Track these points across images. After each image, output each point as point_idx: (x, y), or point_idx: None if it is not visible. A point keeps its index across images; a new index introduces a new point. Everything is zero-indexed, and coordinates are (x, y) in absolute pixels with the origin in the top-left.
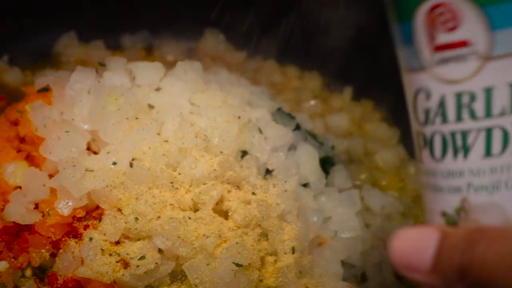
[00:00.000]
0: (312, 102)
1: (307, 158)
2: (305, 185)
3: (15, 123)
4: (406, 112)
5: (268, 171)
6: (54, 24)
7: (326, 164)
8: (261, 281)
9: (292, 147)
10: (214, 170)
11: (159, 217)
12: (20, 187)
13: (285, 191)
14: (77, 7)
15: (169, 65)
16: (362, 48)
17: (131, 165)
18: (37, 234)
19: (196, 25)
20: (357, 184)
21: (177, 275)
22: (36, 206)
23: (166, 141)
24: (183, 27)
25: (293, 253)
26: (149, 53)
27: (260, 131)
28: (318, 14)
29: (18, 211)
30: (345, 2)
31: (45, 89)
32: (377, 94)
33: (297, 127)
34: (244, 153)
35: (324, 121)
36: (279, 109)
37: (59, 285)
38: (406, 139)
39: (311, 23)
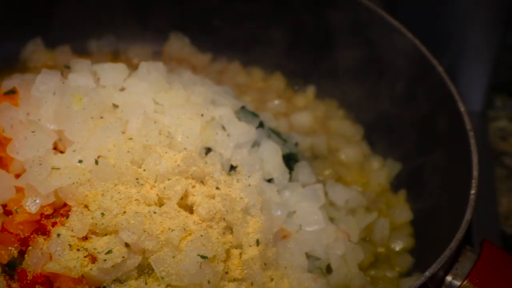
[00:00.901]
0: (276, 102)
1: (271, 154)
2: (269, 181)
3: None
4: (370, 109)
5: (232, 167)
6: (20, 30)
7: (290, 160)
8: (226, 273)
9: (255, 144)
10: (178, 165)
11: (124, 212)
12: None
13: (249, 185)
14: (43, 13)
15: (135, 68)
16: (326, 47)
17: (96, 162)
18: (5, 232)
19: (162, 29)
20: (321, 179)
21: (144, 268)
22: (4, 207)
23: (131, 138)
24: (148, 31)
25: (257, 245)
26: (115, 57)
27: (224, 128)
28: (283, 15)
29: None
30: (306, 3)
31: (11, 92)
32: (340, 92)
33: (261, 125)
34: (208, 150)
35: (288, 120)
36: (242, 108)
37: (28, 281)
38: (369, 136)
39: (274, 25)
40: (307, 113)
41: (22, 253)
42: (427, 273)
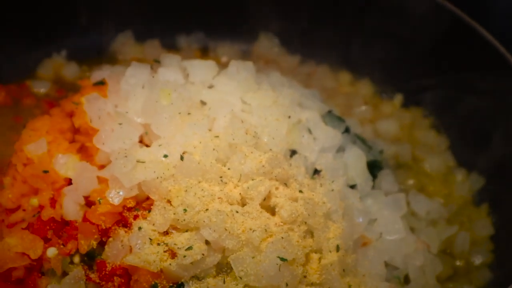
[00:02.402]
0: (363, 108)
1: (355, 160)
2: (352, 187)
3: (71, 115)
4: (456, 120)
5: (316, 171)
6: (112, 22)
7: (374, 168)
8: (305, 277)
9: (340, 149)
10: (263, 166)
11: (207, 209)
12: (70, 179)
13: (332, 190)
14: (135, 7)
15: (223, 66)
16: (414, 57)
17: (181, 158)
18: (87, 222)
19: (252, 28)
20: (403, 189)
21: (223, 267)
22: (87, 197)
23: (217, 136)
24: (238, 30)
25: (337, 251)
26: (204, 54)
27: (310, 131)
28: (375, 21)
29: (73, 209)
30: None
31: (101, 83)
32: (427, 102)
33: (347, 130)
34: (293, 153)
35: (373, 127)
36: (329, 112)
37: (107, 272)
38: (454, 146)
39: (366, 31)
40: (393, 121)
41: (102, 244)
42: None
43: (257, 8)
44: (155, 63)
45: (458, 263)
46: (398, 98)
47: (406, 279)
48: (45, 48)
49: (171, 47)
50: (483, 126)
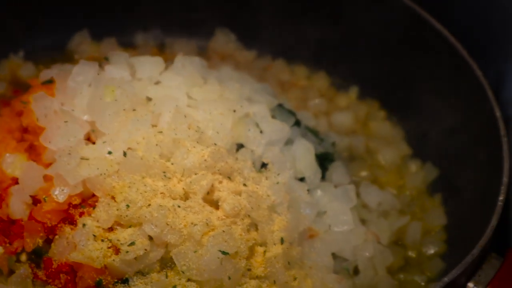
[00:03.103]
0: (317, 101)
1: (303, 153)
2: (301, 180)
3: (20, 114)
4: (412, 111)
5: (263, 165)
6: (67, 21)
7: (325, 160)
8: (249, 270)
9: (289, 142)
10: (205, 160)
11: (149, 205)
12: (17, 179)
13: (277, 183)
14: (90, 5)
15: None
16: (370, 48)
17: (125, 154)
18: (33, 221)
19: (208, 24)
20: (356, 181)
21: (167, 262)
22: (33, 196)
23: (160, 132)
24: (195, 26)
25: (282, 243)
26: (161, 51)
27: (257, 125)
28: (331, 12)
29: (20, 208)
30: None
31: (49, 81)
32: (383, 93)
33: (297, 123)
34: (240, 146)
35: (328, 119)
36: (279, 105)
37: (53, 270)
38: (410, 138)
39: (321, 24)
40: (348, 113)
41: (48, 242)
42: (446, 279)
43: (213, 3)
44: (105, 61)
45: (410, 253)
46: (354, 91)
47: (356, 271)
48: (1, 49)
49: (128, 45)
50: (438, 117)
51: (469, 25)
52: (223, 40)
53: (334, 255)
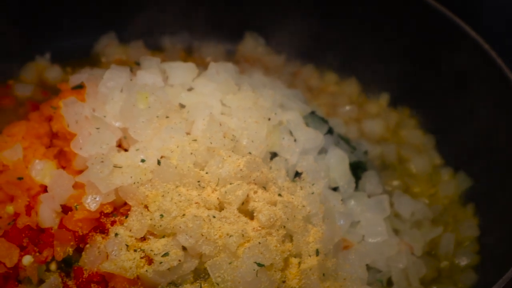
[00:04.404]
0: (348, 107)
1: (337, 162)
2: (335, 189)
3: (49, 119)
4: (443, 119)
5: (297, 174)
6: (95, 24)
7: (357, 169)
8: (283, 282)
9: (323, 151)
10: (241, 170)
11: (184, 215)
12: (45, 186)
13: (312, 193)
14: (118, 8)
15: (207, 67)
16: (401, 56)
17: (158, 162)
18: (63, 229)
19: (237, 28)
20: (388, 190)
21: (200, 273)
22: (63, 204)
23: (195, 140)
24: (223, 29)
25: (317, 255)
26: (188, 55)
27: (291, 133)
28: (362, 20)
29: (50, 216)
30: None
31: (79, 86)
32: (414, 101)
33: (330, 131)
34: (274, 155)
35: (359, 127)
36: (312, 113)
37: (84, 279)
38: (441, 146)
39: (353, 31)
40: (379, 121)
41: (79, 251)
42: None
43: (242, 7)
44: (135, 66)
45: (443, 265)
46: (384, 98)
47: (389, 282)
48: (28, 51)
49: (156, 48)
50: (470, 125)
51: (500, 32)
52: (252, 44)
53: (367, 266)
